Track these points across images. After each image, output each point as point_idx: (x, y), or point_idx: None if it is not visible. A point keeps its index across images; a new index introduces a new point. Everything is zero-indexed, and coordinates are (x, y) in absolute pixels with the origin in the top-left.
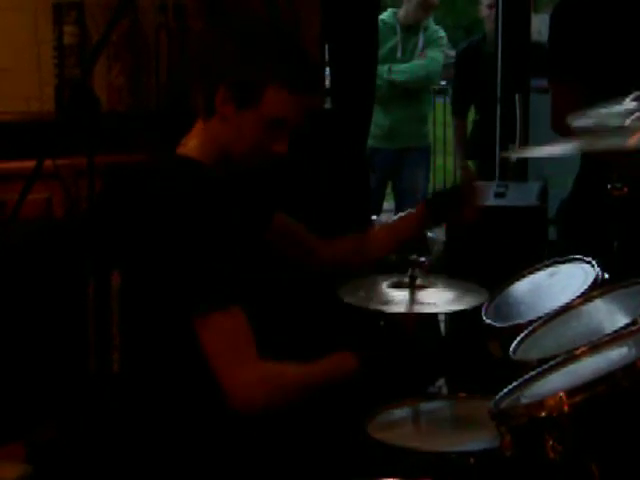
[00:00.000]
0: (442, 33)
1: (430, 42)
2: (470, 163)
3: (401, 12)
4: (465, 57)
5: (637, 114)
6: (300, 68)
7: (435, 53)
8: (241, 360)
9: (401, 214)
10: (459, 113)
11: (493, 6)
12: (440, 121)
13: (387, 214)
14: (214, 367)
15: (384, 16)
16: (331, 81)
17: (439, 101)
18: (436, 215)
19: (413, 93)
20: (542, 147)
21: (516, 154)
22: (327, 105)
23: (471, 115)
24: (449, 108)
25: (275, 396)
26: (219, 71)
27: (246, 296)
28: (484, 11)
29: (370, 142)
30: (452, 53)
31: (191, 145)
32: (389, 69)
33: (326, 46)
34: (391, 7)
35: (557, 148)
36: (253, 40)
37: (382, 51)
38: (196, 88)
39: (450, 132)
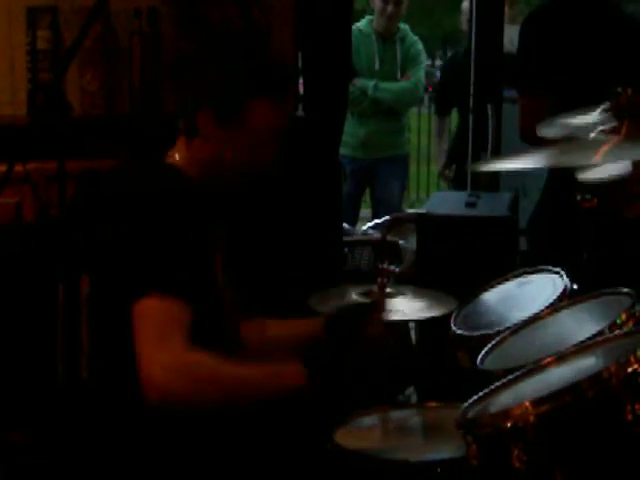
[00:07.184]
0: (420, 46)
1: (409, 57)
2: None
3: (374, 21)
4: (452, 63)
5: (600, 127)
6: (280, 75)
7: (419, 73)
8: (162, 346)
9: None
10: (442, 113)
11: None
12: (415, 129)
13: (363, 222)
14: (137, 353)
15: (361, 24)
16: (304, 89)
17: (414, 110)
18: (336, 331)
19: (394, 109)
20: (511, 160)
21: (485, 167)
22: (299, 112)
23: (454, 120)
24: (425, 117)
25: (191, 388)
26: (200, 92)
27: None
28: (465, 25)
29: (344, 151)
30: (427, 62)
31: (176, 158)
32: (375, 86)
33: (299, 54)
34: (368, 14)
35: (525, 162)
36: (232, 57)
37: (360, 61)
38: (176, 106)
39: (425, 140)
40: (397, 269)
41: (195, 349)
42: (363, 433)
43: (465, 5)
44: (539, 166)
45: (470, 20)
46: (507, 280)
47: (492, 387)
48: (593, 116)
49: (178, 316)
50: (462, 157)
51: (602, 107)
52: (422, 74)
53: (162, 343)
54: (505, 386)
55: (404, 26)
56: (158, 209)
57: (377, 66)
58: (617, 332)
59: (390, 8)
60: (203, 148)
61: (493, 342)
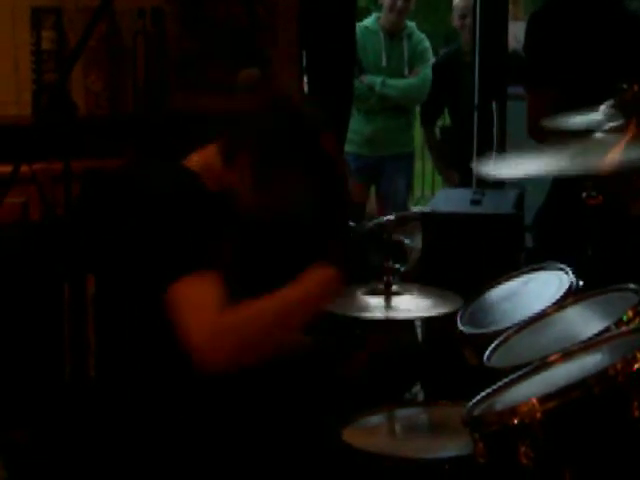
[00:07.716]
0: (427, 44)
1: (416, 54)
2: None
3: (382, 17)
4: (441, 68)
5: (605, 126)
6: None
7: (426, 70)
8: (202, 317)
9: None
10: (428, 122)
11: (466, 16)
12: (418, 126)
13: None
14: (180, 332)
15: (367, 22)
16: (308, 87)
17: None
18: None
19: (401, 106)
20: (517, 165)
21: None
22: None
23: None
24: None
25: (242, 338)
26: (246, 138)
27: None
28: (456, 21)
29: (349, 148)
30: (433, 59)
31: (196, 161)
32: (382, 82)
33: (303, 52)
34: (375, 12)
35: (532, 167)
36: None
37: (367, 58)
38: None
39: None
40: (402, 267)
41: (230, 308)
42: (370, 431)
43: (456, 1)
44: (549, 171)
45: (463, 16)
46: (513, 277)
47: (499, 384)
48: (599, 112)
49: (209, 288)
50: (463, 159)
51: (608, 104)
52: (429, 71)
53: (201, 314)
54: (512, 383)
55: (411, 23)
56: (172, 208)
57: (384, 63)
58: (623, 329)
59: (400, 3)
60: (229, 176)
61: (499, 339)
